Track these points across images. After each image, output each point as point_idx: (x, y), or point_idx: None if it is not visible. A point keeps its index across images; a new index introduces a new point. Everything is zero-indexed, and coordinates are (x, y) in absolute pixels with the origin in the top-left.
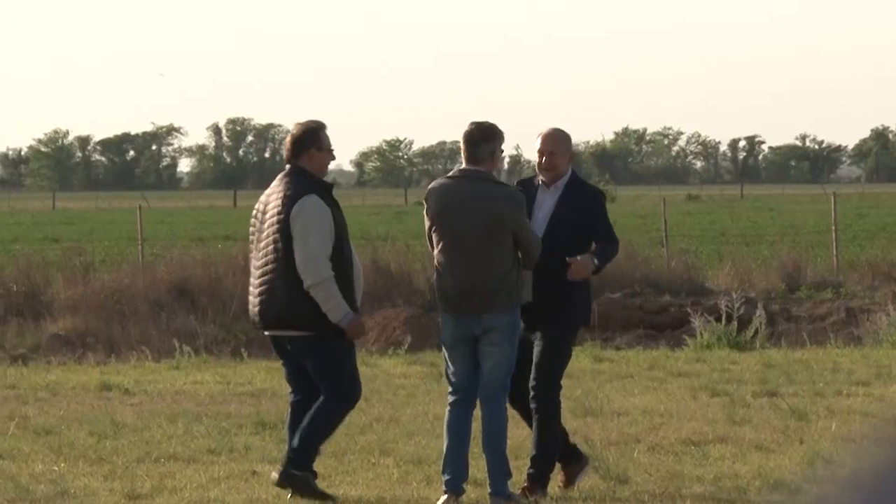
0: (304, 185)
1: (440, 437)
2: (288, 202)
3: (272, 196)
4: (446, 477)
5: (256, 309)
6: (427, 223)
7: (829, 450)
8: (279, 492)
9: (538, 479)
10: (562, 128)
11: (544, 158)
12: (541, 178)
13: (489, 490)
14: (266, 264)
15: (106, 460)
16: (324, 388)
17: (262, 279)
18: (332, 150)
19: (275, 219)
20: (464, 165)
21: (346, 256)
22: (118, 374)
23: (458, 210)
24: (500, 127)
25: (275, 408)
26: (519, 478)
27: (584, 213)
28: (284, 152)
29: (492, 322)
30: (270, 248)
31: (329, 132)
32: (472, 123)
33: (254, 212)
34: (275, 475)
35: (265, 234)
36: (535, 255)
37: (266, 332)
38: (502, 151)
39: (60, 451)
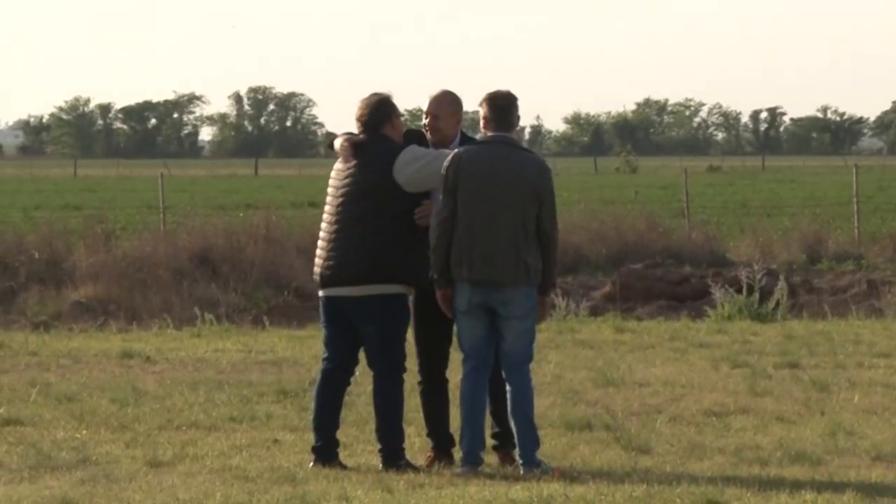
0: (395, 144)
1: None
2: (388, 157)
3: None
4: (465, 448)
5: (332, 263)
6: (447, 186)
7: (851, 421)
8: (301, 459)
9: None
10: (451, 90)
11: (429, 121)
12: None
13: (519, 460)
14: (353, 218)
15: (128, 428)
16: (378, 355)
17: (347, 233)
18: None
19: (376, 171)
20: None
21: None
22: (140, 342)
23: (488, 174)
24: (517, 95)
25: (296, 376)
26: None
27: None
28: (360, 125)
29: (511, 295)
30: (368, 202)
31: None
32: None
33: (335, 168)
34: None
35: (356, 188)
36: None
37: (332, 291)
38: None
39: (82, 418)
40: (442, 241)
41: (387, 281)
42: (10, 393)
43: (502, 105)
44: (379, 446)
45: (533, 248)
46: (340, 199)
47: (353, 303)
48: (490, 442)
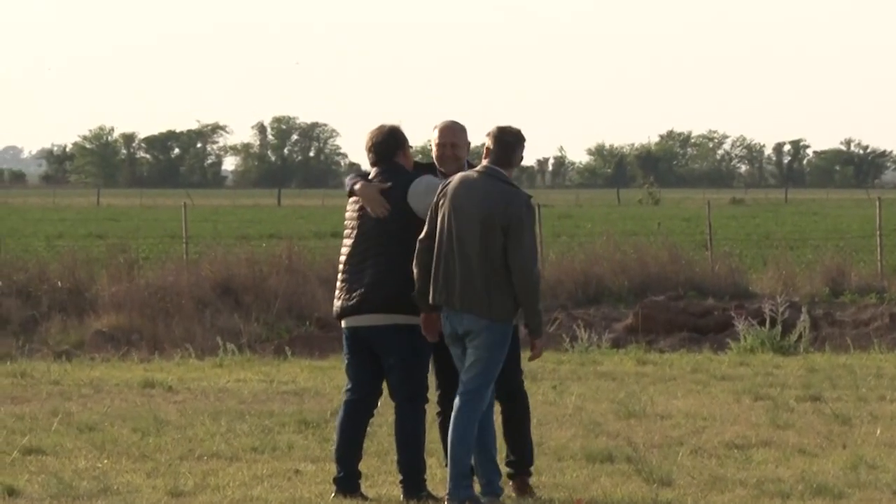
0: (410, 172)
1: None
2: (403, 184)
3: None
4: (480, 481)
5: (354, 293)
6: (431, 209)
7: (873, 455)
8: (322, 490)
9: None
10: (457, 120)
11: (446, 150)
12: (441, 169)
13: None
14: (373, 249)
15: (149, 457)
16: (401, 386)
17: (368, 264)
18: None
19: (394, 202)
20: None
21: None
22: (162, 372)
23: (459, 203)
24: (523, 130)
25: (318, 406)
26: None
27: None
28: (374, 154)
29: (473, 326)
30: (388, 233)
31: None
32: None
33: (350, 202)
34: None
35: (375, 220)
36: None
37: (354, 321)
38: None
39: (103, 447)
40: (418, 259)
41: (408, 311)
42: (31, 422)
43: (509, 141)
44: (400, 477)
45: (502, 282)
46: (359, 231)
47: (376, 332)
48: (505, 470)
